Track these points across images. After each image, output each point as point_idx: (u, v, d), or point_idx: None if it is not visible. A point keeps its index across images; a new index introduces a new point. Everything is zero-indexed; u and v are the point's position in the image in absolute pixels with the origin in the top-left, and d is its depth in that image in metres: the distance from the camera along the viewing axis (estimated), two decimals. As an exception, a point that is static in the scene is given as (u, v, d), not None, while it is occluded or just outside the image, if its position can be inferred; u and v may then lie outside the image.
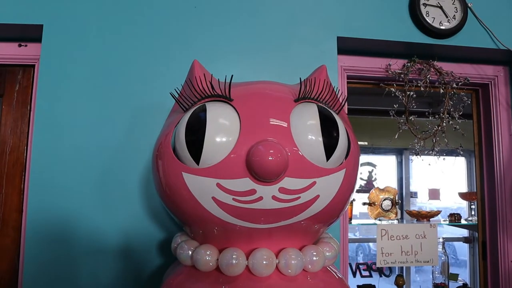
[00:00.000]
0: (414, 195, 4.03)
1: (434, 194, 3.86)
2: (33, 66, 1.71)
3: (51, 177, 1.55)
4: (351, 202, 2.11)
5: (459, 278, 2.25)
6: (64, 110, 1.58)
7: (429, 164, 1.79)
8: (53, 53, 1.60)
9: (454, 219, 2.18)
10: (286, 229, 1.03)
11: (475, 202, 1.99)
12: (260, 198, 0.95)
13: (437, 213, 2.01)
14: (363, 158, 4.01)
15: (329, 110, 1.03)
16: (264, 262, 1.00)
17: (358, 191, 3.66)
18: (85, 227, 1.51)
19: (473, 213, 2.27)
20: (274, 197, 0.95)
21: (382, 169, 3.93)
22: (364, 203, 2.14)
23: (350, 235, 3.92)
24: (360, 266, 3.74)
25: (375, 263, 3.77)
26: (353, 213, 2.21)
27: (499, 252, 1.90)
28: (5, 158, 1.67)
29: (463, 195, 2.30)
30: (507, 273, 1.87)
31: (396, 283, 2.02)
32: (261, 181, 0.93)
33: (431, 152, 1.86)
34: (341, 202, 1.06)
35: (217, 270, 1.04)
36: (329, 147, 0.98)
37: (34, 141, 1.57)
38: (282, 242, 1.05)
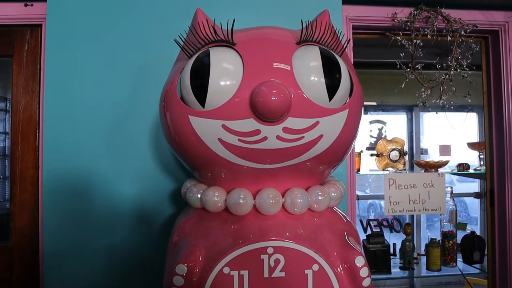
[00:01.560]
0: (424, 151, 4.03)
1: (445, 150, 3.86)
2: (40, 25, 1.73)
3: (63, 133, 1.59)
4: (359, 154, 2.14)
5: (467, 227, 2.29)
6: (73, 67, 1.60)
7: (437, 113, 1.78)
8: (59, 12, 1.61)
9: (463, 168, 2.20)
10: (292, 170, 1.06)
11: (484, 152, 2.00)
12: (265, 138, 0.97)
13: (445, 163, 2.02)
14: (373, 117, 3.99)
15: (331, 52, 1.04)
16: (271, 201, 1.04)
17: (368, 149, 3.66)
18: (99, 180, 1.57)
19: (481, 163, 2.28)
20: (278, 137, 0.97)
21: (392, 126, 3.92)
22: (372, 154, 2.16)
23: (361, 192, 3.97)
24: (371, 222, 3.80)
25: (386, 219, 3.84)
26: (364, 169, 2.23)
27: (506, 199, 1.92)
28: (18, 117, 1.72)
29: (472, 145, 2.31)
30: (514, 218, 1.90)
31: (404, 231, 2.06)
32: (265, 121, 0.95)
33: (438, 101, 1.85)
34: (344, 142, 1.08)
35: (226, 210, 1.08)
36: (332, 87, 0.99)
37: (46, 99, 1.61)
38: (288, 183, 1.08)
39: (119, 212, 1.56)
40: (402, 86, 1.81)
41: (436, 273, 2.03)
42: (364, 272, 1.02)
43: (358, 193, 3.72)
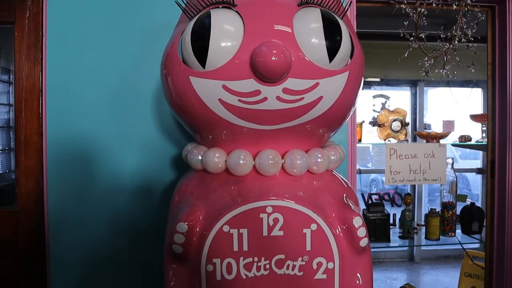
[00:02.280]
0: (428, 127, 4.02)
1: (448, 125, 3.85)
2: (41, -9, 1.72)
3: (66, 100, 1.61)
4: (360, 124, 2.14)
5: (467, 200, 2.31)
6: (75, 33, 1.60)
7: (440, 79, 1.76)
8: (59, -23, 1.60)
9: (464, 140, 2.20)
10: (292, 132, 1.07)
11: (486, 124, 1.99)
12: (265, 99, 0.98)
13: (447, 134, 2.03)
14: (376, 92, 3.96)
15: (332, 14, 1.03)
16: (270, 162, 1.05)
17: (370, 123, 3.65)
18: (102, 146, 1.59)
19: (484, 135, 2.28)
20: (278, 98, 0.98)
21: (395, 101, 3.90)
22: (374, 124, 2.17)
23: (363, 167, 3.98)
24: (372, 196, 3.82)
25: (387, 193, 3.86)
26: (365, 140, 2.23)
27: (507, 170, 1.93)
28: (22, 84, 1.72)
29: (474, 117, 2.30)
30: (514, 189, 1.91)
31: (404, 201, 2.08)
32: (265, 82, 0.96)
33: (441, 71, 1.84)
34: (344, 105, 1.09)
35: (226, 172, 1.10)
36: (332, 49, 0.99)
37: (48, 66, 1.62)
38: (288, 145, 1.09)
39: (122, 176, 1.58)
40: (405, 55, 1.80)
41: (434, 243, 2.06)
42: (361, 232, 1.04)
43: (360, 167, 3.74)
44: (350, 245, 1.06)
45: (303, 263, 1.03)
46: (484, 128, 2.24)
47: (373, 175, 5.67)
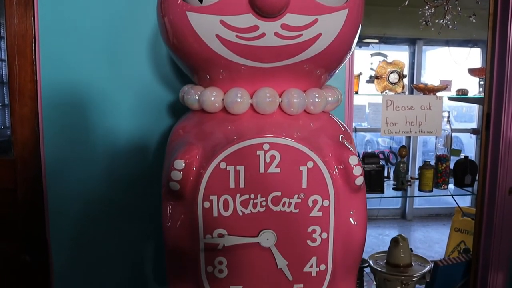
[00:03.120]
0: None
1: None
2: None
3: (60, 46, 1.58)
4: (358, 76, 2.13)
5: (461, 154, 2.33)
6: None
7: (440, 29, 1.74)
8: None
9: (461, 93, 2.20)
10: (289, 71, 1.06)
11: (484, 77, 1.99)
12: (263, 35, 0.96)
13: (444, 87, 2.02)
14: (374, 51, 3.92)
15: None
16: (268, 100, 1.05)
17: (368, 82, 3.63)
18: (97, 93, 1.58)
19: (481, 89, 2.27)
20: (276, 34, 0.96)
21: (393, 59, 3.86)
22: (371, 76, 2.16)
23: (358, 126, 3.99)
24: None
25: (382, 152, 3.89)
26: (362, 92, 2.20)
27: (502, 122, 1.94)
28: (13, 30, 1.68)
29: (472, 71, 2.29)
30: (508, 142, 1.93)
31: (399, 153, 2.10)
32: (264, 17, 0.94)
33: (441, 21, 1.81)
34: (343, 44, 1.07)
35: (223, 111, 1.10)
36: (332, -16, 0.97)
37: (40, 11, 1.58)
38: (285, 84, 1.09)
39: (118, 123, 1.58)
40: (406, 3, 1.77)
41: (427, 194, 2.09)
42: (357, 171, 1.06)
43: (356, 125, 3.75)
44: (346, 183, 1.07)
45: (299, 200, 1.04)
46: (482, 83, 2.24)
47: (368, 137, 5.69)
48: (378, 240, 3.62)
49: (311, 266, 1.07)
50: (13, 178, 1.74)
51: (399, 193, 2.13)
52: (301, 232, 1.06)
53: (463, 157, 2.20)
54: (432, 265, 2.17)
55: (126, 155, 1.60)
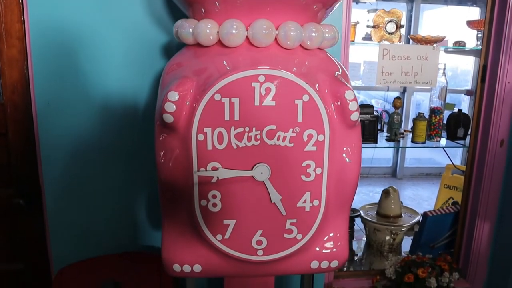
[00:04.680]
0: (421, 44, 3.95)
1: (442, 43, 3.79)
2: None
3: (48, -17, 1.51)
4: (354, 25, 2.09)
5: (454, 108, 2.33)
6: None
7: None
8: None
9: (459, 45, 2.18)
10: (286, 3, 1.03)
11: (483, 29, 1.95)
12: (260, -40, 0.93)
13: (442, 38, 1.99)
14: (371, 7, 3.83)
15: None
16: (264, 32, 1.02)
17: (364, 39, 3.58)
18: (88, 32, 1.52)
19: (478, 42, 2.25)
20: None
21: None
22: (368, 26, 2.12)
23: (353, 83, 3.96)
24: (361, 113, 3.84)
25: (376, 111, 3.88)
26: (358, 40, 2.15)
27: (498, 74, 1.93)
28: (-2, -35, 1.61)
29: (471, 23, 2.25)
30: (502, 94, 1.92)
31: (393, 104, 2.10)
32: None
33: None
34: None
35: (219, 44, 1.07)
36: None
37: None
38: (282, 18, 1.06)
39: (109, 62, 1.53)
40: None
41: (420, 145, 2.10)
42: (353, 106, 1.05)
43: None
44: (341, 119, 1.06)
45: (294, 134, 1.04)
46: (480, 35, 2.20)
47: (361, 98, 5.68)
48: (368, 197, 3.67)
49: (305, 201, 1.08)
50: (4, 122, 1.71)
51: (392, 144, 2.14)
52: (295, 166, 1.06)
53: (456, 110, 2.20)
54: (421, 215, 2.22)
55: (119, 95, 1.57)
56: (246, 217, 1.08)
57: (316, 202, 1.09)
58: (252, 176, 1.04)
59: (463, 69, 5.28)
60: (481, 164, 2.00)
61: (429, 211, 2.17)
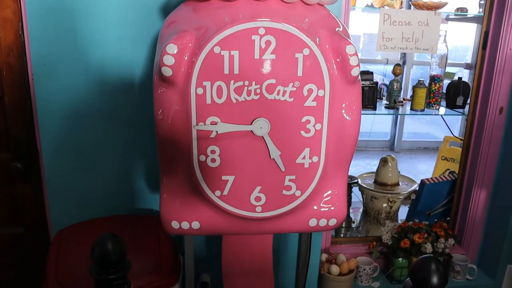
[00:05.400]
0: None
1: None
2: None
3: None
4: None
5: (454, 77, 2.31)
6: None
7: None
8: None
9: (461, 11, 2.15)
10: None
11: (486, -1, 1.92)
12: None
13: (443, 4, 1.96)
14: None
15: None
16: (264, -17, 1.00)
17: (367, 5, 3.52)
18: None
19: (480, 9, 2.21)
20: None
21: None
22: (367, 4, 2.09)
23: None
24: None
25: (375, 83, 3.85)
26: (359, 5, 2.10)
27: (500, 41, 1.91)
28: None
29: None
30: (503, 60, 1.91)
31: (393, 71, 2.08)
32: None
33: None
34: None
35: (217, -2, 1.05)
36: None
37: None
38: (282, -30, 1.03)
39: (108, 20, 1.49)
40: None
41: (419, 113, 2.10)
42: (353, 61, 1.03)
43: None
44: (342, 75, 1.05)
45: (294, 89, 1.03)
46: (482, 2, 2.17)
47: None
48: (366, 170, 3.67)
49: (304, 158, 1.08)
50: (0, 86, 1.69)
51: (391, 111, 2.13)
52: (295, 122, 1.05)
53: (456, 78, 2.18)
54: (419, 183, 2.23)
55: (117, 57, 1.54)
56: (245, 173, 1.08)
57: (315, 159, 1.08)
58: (251, 131, 1.04)
59: (463, 44, 5.23)
60: (480, 131, 2.00)
61: (427, 179, 2.18)
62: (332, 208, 1.17)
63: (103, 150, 1.63)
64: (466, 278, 2.02)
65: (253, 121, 1.03)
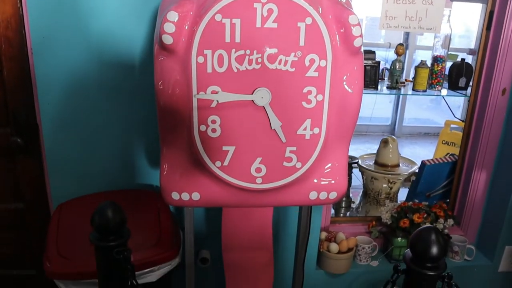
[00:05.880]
0: None
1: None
2: None
3: None
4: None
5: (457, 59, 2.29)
6: None
7: None
8: None
9: (464, -10, 2.13)
10: None
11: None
12: None
13: (448, -17, 1.94)
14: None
15: None
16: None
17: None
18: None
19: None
20: None
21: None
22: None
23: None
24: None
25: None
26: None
27: (505, 20, 1.88)
28: None
29: (478, -31, 2.19)
30: (508, 40, 1.89)
31: (396, 51, 2.06)
32: None
33: None
34: None
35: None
36: None
37: None
38: None
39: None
40: None
41: (421, 93, 2.09)
42: (356, 31, 1.02)
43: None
44: (344, 45, 1.04)
45: (296, 58, 1.01)
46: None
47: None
48: (366, 153, 3.67)
49: (305, 129, 1.07)
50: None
51: (393, 91, 2.11)
52: (296, 92, 1.04)
53: (460, 59, 2.16)
54: (419, 164, 2.23)
55: (116, 29, 1.52)
56: (245, 144, 1.07)
57: (316, 130, 1.08)
58: (252, 100, 1.03)
59: (467, 29, 5.18)
60: (482, 112, 1.99)
61: (427, 160, 2.18)
62: (333, 182, 1.17)
63: (103, 124, 1.62)
64: (464, 259, 2.03)
65: (254, 90, 1.02)
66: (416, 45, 4.12)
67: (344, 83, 1.08)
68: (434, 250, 0.92)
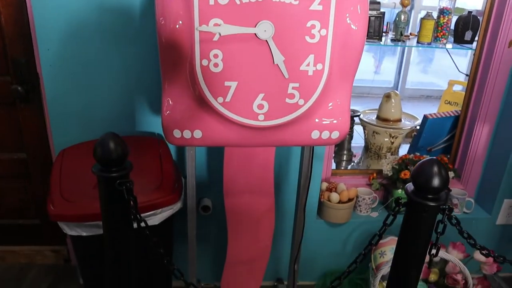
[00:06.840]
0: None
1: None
2: None
3: None
4: None
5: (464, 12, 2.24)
6: None
7: None
8: None
9: None
10: None
11: None
12: None
13: None
14: None
15: None
16: None
17: None
18: None
19: None
20: None
21: None
22: None
23: None
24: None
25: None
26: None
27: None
28: None
29: None
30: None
31: (401, 2, 2.01)
32: None
33: None
34: None
35: None
36: None
37: None
38: None
39: None
40: None
41: (426, 46, 2.05)
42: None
43: None
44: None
45: (300, -10, 0.99)
46: None
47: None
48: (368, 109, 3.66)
49: (308, 65, 1.06)
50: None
51: (396, 44, 2.08)
52: (299, 26, 1.02)
53: (466, 12, 2.11)
54: (422, 118, 2.22)
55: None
56: (248, 79, 1.06)
57: (319, 66, 1.07)
58: (255, 34, 1.01)
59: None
60: (487, 65, 1.96)
61: (430, 114, 2.17)
62: (335, 121, 1.16)
63: (104, 69, 1.60)
64: (463, 211, 2.05)
65: (257, 23, 1.00)
66: (422, 6, 4.03)
67: (348, 19, 1.05)
68: (436, 181, 0.92)
